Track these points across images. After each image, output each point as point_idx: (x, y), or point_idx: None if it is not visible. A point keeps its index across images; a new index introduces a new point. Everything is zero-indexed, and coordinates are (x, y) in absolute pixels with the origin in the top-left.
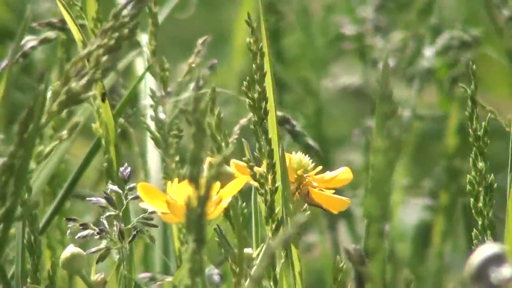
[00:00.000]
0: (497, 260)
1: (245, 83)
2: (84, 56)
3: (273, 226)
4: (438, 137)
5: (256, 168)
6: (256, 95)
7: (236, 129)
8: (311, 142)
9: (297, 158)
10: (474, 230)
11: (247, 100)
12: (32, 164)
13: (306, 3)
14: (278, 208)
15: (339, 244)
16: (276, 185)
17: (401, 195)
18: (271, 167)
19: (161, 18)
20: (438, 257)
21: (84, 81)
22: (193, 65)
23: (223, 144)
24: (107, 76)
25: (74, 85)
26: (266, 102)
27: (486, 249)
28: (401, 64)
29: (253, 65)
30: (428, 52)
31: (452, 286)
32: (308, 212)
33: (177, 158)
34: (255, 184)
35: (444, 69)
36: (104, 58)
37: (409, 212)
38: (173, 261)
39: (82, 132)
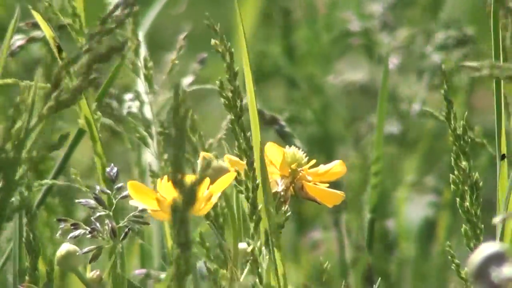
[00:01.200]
0: (497, 259)
1: (217, 82)
2: (72, 59)
3: (255, 223)
4: (442, 133)
5: (240, 162)
6: (230, 94)
7: (224, 124)
8: (298, 143)
9: (291, 152)
10: (465, 228)
11: (222, 99)
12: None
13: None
14: (260, 205)
15: (343, 240)
16: (257, 182)
17: (406, 191)
18: (250, 164)
19: (153, 14)
20: (442, 253)
21: (73, 88)
22: (176, 61)
23: (198, 145)
24: (95, 84)
25: (62, 92)
26: (241, 101)
27: (487, 248)
28: (408, 61)
29: (224, 65)
30: (428, 48)
31: (456, 283)
32: (289, 213)
33: (165, 156)
34: (234, 181)
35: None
36: (95, 66)
37: (414, 209)
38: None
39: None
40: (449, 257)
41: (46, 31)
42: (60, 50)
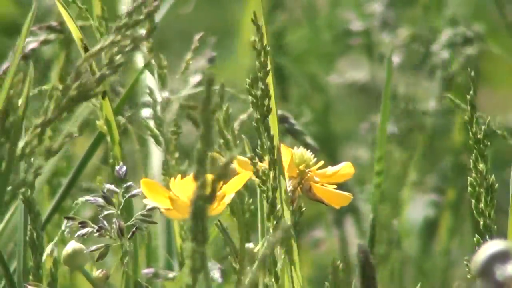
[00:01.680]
0: (502, 257)
1: (248, 80)
2: (96, 52)
3: (275, 222)
4: (445, 133)
5: (259, 164)
6: (259, 93)
7: (236, 125)
8: (309, 140)
9: (299, 153)
10: (477, 232)
11: (250, 97)
12: (41, 161)
13: None
14: (279, 205)
15: (346, 240)
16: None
17: (409, 191)
18: (273, 164)
19: (162, 12)
20: (444, 253)
21: (96, 77)
22: (190, 62)
23: (231, 140)
24: (117, 72)
25: (85, 81)
26: (269, 100)
27: (491, 247)
28: (409, 59)
29: (257, 63)
30: (435, 47)
31: (458, 283)
32: (304, 209)
33: (176, 155)
34: (257, 181)
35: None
36: (119, 57)
37: (416, 208)
38: (175, 258)
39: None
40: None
41: (74, 31)
42: (87, 51)
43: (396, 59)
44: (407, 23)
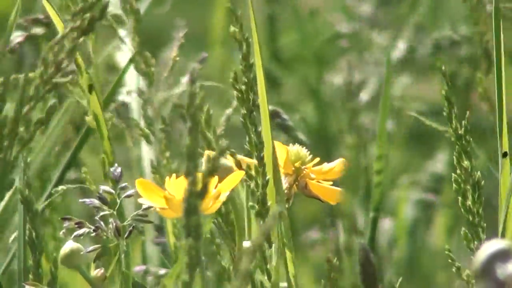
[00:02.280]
0: (502, 256)
1: (231, 74)
2: (59, 40)
3: (265, 219)
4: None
5: (245, 159)
6: (243, 87)
7: (223, 120)
8: (301, 136)
9: (295, 150)
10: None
11: (235, 92)
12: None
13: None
14: (270, 202)
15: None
16: (267, 178)
17: (404, 190)
18: (260, 160)
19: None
20: (441, 252)
21: (61, 62)
22: (177, 58)
23: (212, 139)
24: (78, 50)
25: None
26: (255, 94)
27: (492, 245)
28: (401, 58)
29: (240, 56)
30: (422, 48)
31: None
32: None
33: (167, 154)
34: (244, 177)
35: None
36: (80, 40)
37: (411, 208)
38: (169, 256)
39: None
40: (450, 260)
41: (58, 24)
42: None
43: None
44: (395, 22)
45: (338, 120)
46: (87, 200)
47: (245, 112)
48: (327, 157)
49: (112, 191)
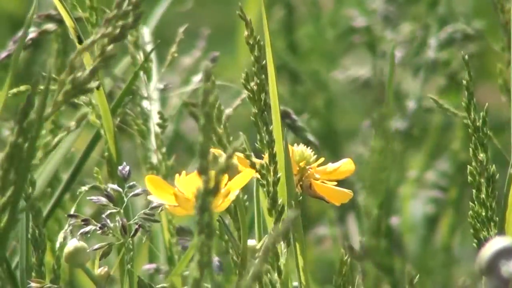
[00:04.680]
0: (507, 253)
1: (243, 75)
2: (88, 45)
3: (276, 217)
4: (446, 129)
5: (255, 160)
6: (255, 87)
7: (224, 118)
8: (310, 137)
9: (299, 150)
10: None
11: (246, 92)
12: (40, 155)
13: None
14: (281, 200)
15: (348, 236)
16: (278, 175)
17: (410, 188)
18: (272, 158)
19: (160, 11)
20: (446, 250)
21: (88, 70)
22: (175, 54)
23: (224, 137)
24: (110, 64)
25: (79, 74)
26: (266, 94)
27: (497, 243)
28: (409, 56)
29: (252, 58)
30: (433, 43)
31: (461, 280)
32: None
33: (163, 150)
34: (257, 175)
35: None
36: (109, 47)
37: (418, 205)
38: (163, 252)
39: (86, 125)
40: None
41: (68, 20)
42: (80, 40)
43: (398, 54)
44: (409, 19)
45: (347, 115)
46: (94, 198)
47: (257, 111)
48: (334, 155)
49: (120, 189)
